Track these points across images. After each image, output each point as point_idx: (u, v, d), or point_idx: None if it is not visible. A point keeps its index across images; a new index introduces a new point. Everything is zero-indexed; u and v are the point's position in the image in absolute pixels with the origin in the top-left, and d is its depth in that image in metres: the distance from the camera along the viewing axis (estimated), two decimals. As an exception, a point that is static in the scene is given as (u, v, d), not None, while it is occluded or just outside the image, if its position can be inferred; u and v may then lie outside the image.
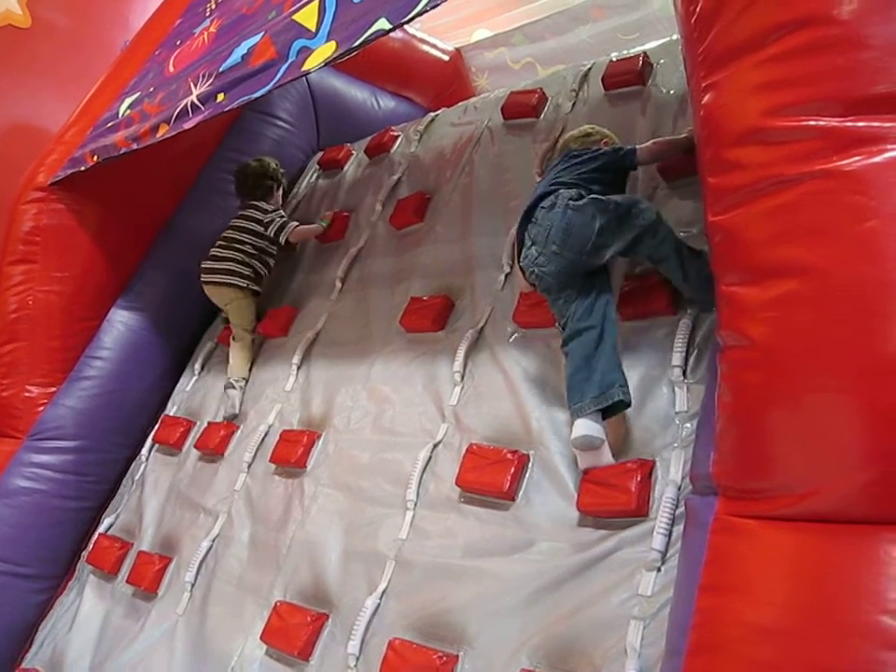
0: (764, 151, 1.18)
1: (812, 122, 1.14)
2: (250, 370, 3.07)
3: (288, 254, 3.36)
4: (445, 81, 4.40)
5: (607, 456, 1.81)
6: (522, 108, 2.88)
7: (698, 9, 1.31)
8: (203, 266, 3.19)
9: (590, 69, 2.84)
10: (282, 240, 3.18)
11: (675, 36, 2.76)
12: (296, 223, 3.21)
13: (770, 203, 1.16)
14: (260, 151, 3.59)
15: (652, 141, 2.16)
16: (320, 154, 3.78)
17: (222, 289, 3.16)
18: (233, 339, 3.12)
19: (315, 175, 3.72)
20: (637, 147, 2.12)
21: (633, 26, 3.94)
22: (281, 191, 3.38)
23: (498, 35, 4.40)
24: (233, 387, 2.99)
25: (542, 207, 1.99)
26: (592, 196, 1.92)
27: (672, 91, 2.52)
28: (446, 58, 4.41)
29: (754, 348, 1.19)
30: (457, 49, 4.49)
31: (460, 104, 3.32)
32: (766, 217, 1.17)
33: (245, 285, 3.14)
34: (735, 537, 1.21)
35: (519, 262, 2.09)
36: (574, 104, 2.77)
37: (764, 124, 1.17)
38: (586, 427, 1.77)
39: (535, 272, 1.98)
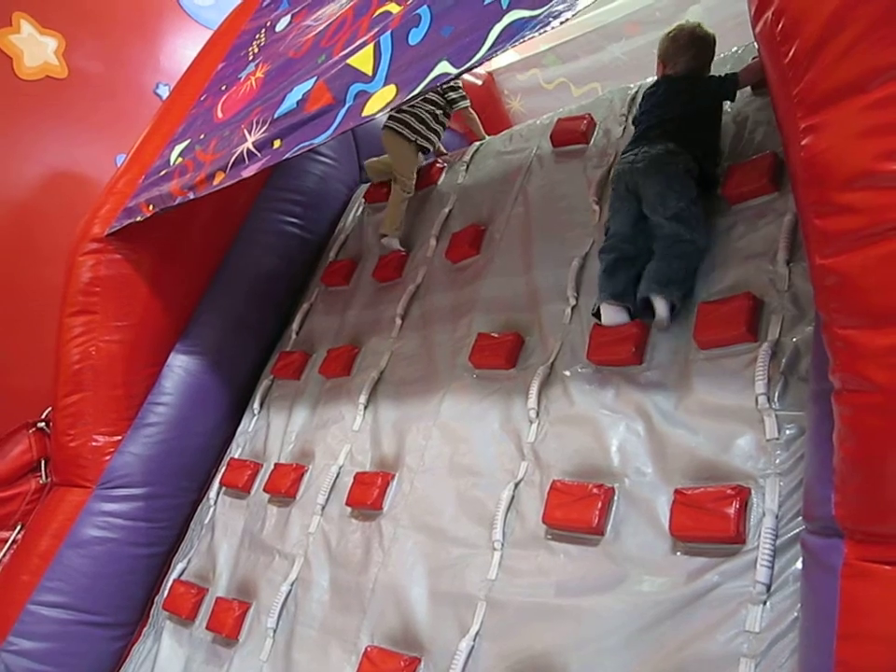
0: (879, 195, 1.16)
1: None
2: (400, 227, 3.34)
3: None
4: (480, 106, 4.38)
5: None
6: (571, 135, 2.88)
7: (793, 51, 1.30)
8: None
9: (637, 91, 2.83)
10: (450, 112, 3.46)
11: (723, 55, 2.76)
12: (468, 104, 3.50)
13: (888, 248, 1.15)
14: (306, 188, 3.63)
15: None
16: (364, 188, 3.80)
17: (393, 136, 3.40)
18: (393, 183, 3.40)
19: (361, 209, 3.73)
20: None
21: (667, 41, 3.93)
22: None
23: (530, 56, 4.41)
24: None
25: None
26: None
27: (728, 110, 2.51)
28: (479, 82, 4.44)
29: (879, 393, 1.18)
30: (489, 73, 4.50)
31: (505, 132, 3.33)
32: (886, 262, 1.16)
33: (413, 139, 3.38)
34: (869, 582, 1.20)
35: None
36: (624, 128, 2.76)
37: (878, 168, 1.16)
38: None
39: None
